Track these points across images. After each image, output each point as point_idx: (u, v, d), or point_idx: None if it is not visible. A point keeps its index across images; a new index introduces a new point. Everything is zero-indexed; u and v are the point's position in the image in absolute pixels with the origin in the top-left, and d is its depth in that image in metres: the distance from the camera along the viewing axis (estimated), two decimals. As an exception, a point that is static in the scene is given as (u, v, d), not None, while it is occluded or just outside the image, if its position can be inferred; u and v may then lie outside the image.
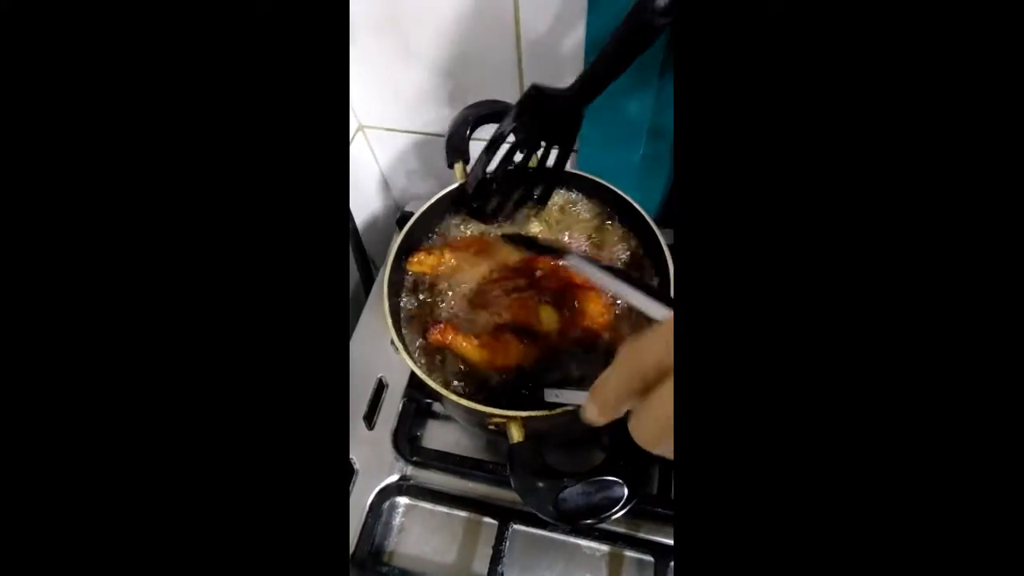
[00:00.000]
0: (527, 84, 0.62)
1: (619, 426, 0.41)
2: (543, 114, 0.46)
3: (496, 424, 0.43)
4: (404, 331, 0.50)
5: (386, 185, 0.84)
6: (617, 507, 0.35)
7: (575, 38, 0.55)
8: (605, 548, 0.52)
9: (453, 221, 0.57)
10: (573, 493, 0.36)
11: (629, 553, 0.52)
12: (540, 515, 0.37)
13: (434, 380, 0.45)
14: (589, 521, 0.36)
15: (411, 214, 0.54)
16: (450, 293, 0.52)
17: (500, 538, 0.51)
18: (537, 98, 0.45)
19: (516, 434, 0.41)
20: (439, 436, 0.59)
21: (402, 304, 0.52)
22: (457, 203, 0.53)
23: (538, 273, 0.52)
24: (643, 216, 0.52)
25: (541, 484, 0.37)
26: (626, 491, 0.36)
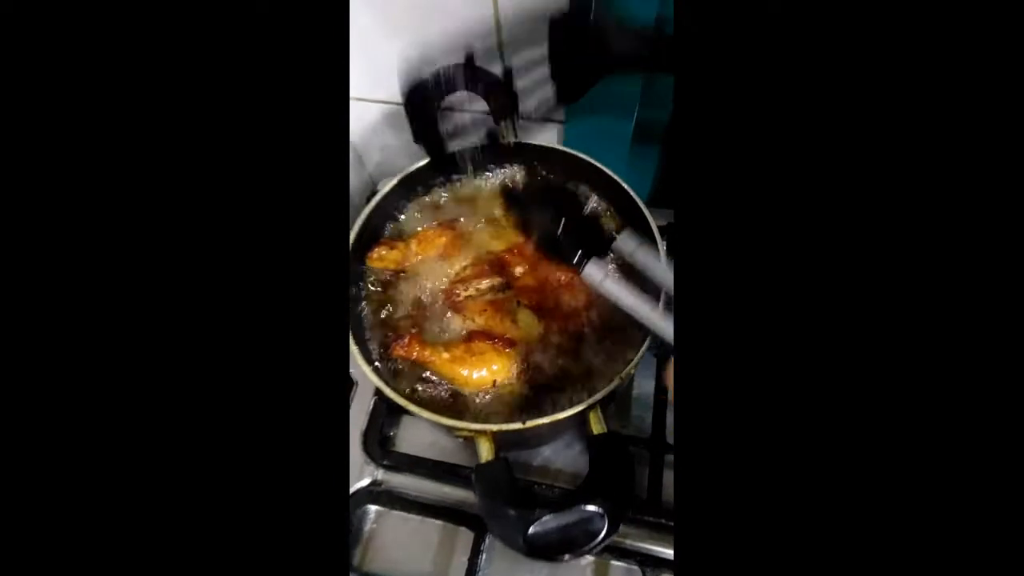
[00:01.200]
0: (506, 42, 0.56)
1: (605, 441, 0.36)
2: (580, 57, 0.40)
3: (465, 437, 0.39)
4: (367, 334, 0.45)
5: (359, 160, 0.78)
6: (595, 543, 0.31)
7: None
8: (590, 558, 0.49)
9: (420, 207, 0.51)
10: (547, 525, 0.32)
11: (616, 563, 0.48)
12: (508, 547, 0.33)
13: (398, 389, 0.40)
14: (565, 557, 0.32)
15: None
16: (418, 293, 0.47)
17: (476, 550, 0.47)
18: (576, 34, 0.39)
19: (485, 451, 0.36)
20: (413, 436, 0.55)
21: (363, 305, 0.47)
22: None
23: (518, 270, 0.47)
24: (633, 198, 0.46)
25: (512, 512, 0.33)
26: (606, 524, 0.32)
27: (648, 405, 0.53)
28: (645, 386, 0.55)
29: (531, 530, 0.32)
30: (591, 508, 0.32)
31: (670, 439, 0.51)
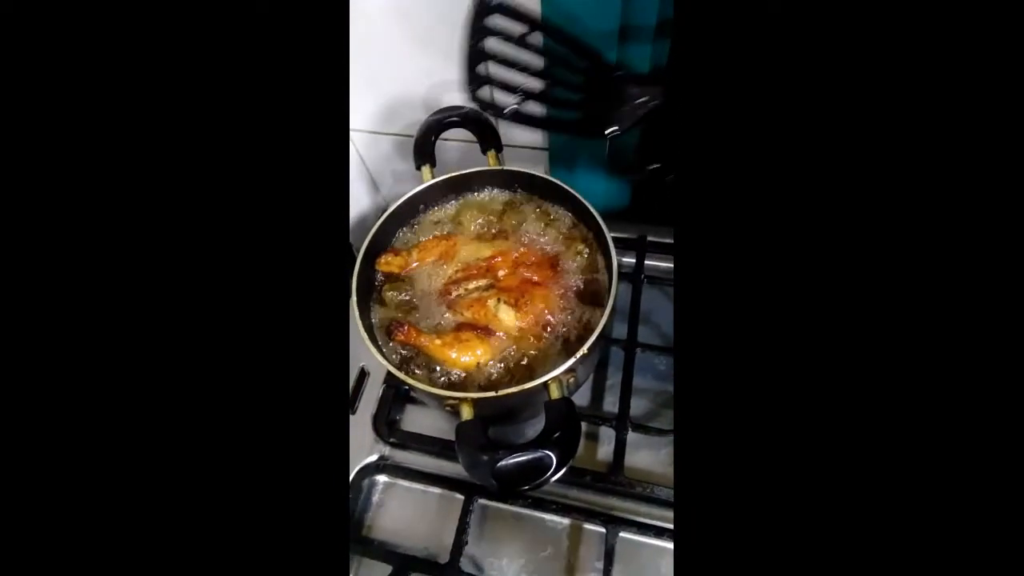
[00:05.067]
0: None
1: (558, 404, 0.46)
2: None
3: (451, 405, 0.49)
4: (376, 326, 0.56)
5: (374, 185, 0.90)
6: (546, 477, 0.41)
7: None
8: (566, 521, 0.58)
9: (422, 222, 0.63)
10: (509, 464, 0.42)
11: (587, 526, 0.57)
12: (482, 484, 0.43)
13: (400, 369, 0.51)
14: (525, 488, 0.42)
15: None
16: (417, 292, 0.58)
17: (465, 511, 0.57)
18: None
19: (466, 413, 0.47)
20: (416, 420, 0.66)
21: (373, 302, 0.58)
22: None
23: (500, 273, 0.58)
24: (598, 221, 0.57)
25: (483, 457, 0.43)
26: (555, 461, 0.42)
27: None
28: (618, 376, 0.65)
29: (496, 468, 0.42)
30: (544, 451, 0.42)
31: (634, 418, 0.60)
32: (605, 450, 0.61)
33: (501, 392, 0.47)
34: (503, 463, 0.42)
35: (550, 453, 0.42)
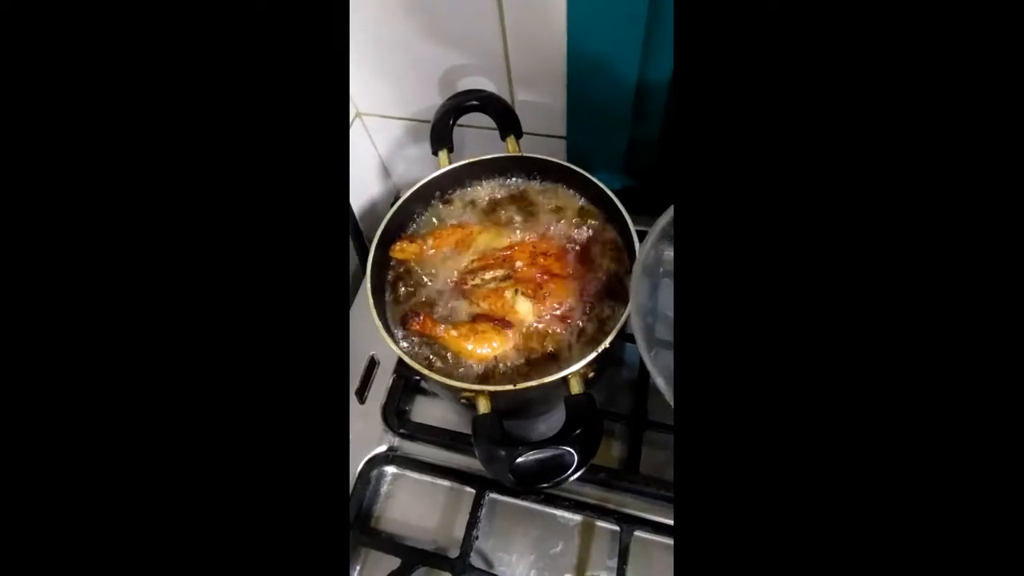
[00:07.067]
0: (513, 67, 0.65)
1: (576, 401, 0.46)
2: None
3: (467, 398, 0.48)
4: (389, 315, 0.55)
5: (385, 171, 0.89)
6: (566, 475, 0.40)
7: (557, 16, 0.57)
8: (578, 518, 0.57)
9: (437, 211, 0.62)
10: (528, 460, 0.41)
11: (600, 523, 0.57)
12: (499, 480, 0.42)
13: (414, 359, 0.50)
14: (544, 485, 0.41)
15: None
16: (432, 281, 0.57)
17: (476, 505, 0.56)
18: None
19: (483, 406, 0.46)
20: (426, 411, 0.65)
21: (387, 290, 0.57)
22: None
23: (518, 264, 0.57)
24: (618, 206, 0.56)
25: (501, 452, 0.42)
26: (576, 458, 0.41)
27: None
28: (634, 373, 0.64)
29: (515, 464, 0.41)
30: (564, 448, 0.41)
31: (650, 416, 0.59)
32: (620, 448, 0.61)
33: (520, 385, 0.46)
34: (522, 459, 0.41)
35: (571, 450, 0.41)
